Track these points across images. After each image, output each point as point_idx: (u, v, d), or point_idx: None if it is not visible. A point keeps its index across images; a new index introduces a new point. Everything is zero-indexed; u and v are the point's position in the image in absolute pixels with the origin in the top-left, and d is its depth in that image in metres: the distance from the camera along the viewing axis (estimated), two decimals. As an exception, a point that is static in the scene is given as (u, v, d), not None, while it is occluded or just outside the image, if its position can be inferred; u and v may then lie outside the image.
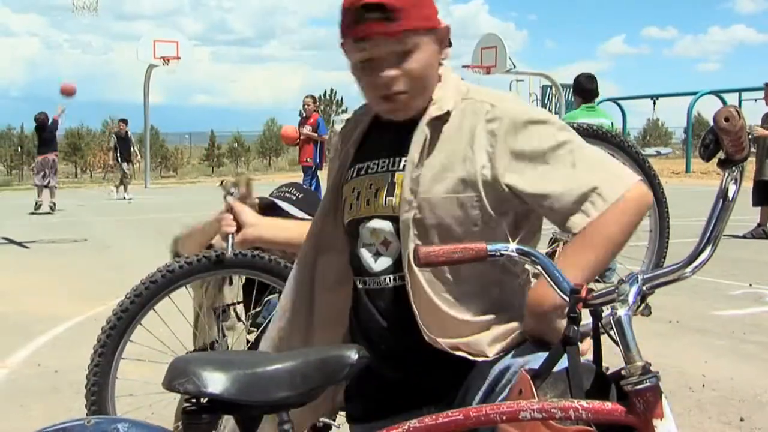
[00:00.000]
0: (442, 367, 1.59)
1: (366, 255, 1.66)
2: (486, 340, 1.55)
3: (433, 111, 1.60)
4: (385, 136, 1.68)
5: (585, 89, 7.08)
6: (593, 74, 7.15)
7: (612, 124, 6.78)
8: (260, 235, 1.98)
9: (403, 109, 1.61)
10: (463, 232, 1.55)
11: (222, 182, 2.16)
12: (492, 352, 1.54)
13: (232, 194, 2.09)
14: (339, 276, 1.74)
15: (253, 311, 2.61)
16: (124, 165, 18.47)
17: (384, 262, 1.64)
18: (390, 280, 1.63)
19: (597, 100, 7.44)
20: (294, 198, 2.74)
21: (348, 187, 1.71)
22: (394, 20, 1.49)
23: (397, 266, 1.62)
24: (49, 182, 15.03)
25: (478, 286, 1.59)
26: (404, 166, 1.60)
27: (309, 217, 2.70)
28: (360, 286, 1.69)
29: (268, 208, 2.74)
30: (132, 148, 18.68)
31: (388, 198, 1.62)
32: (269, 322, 2.54)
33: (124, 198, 18.01)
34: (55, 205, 15.01)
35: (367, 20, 1.50)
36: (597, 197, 1.48)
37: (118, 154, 18.28)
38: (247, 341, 2.57)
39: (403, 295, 1.59)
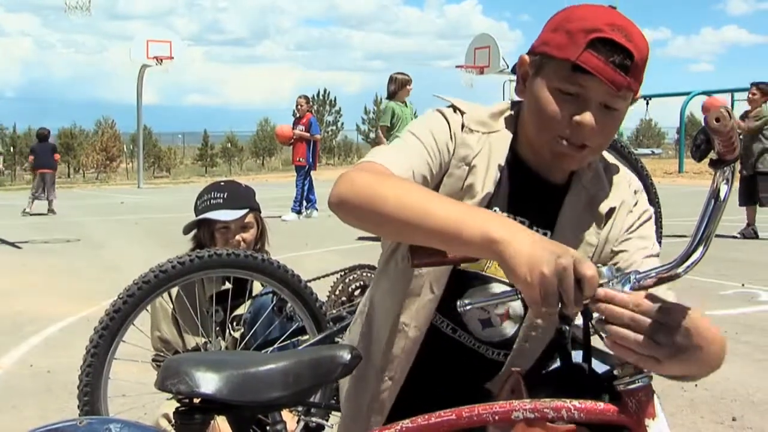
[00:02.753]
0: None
1: (470, 315, 1.52)
2: None
3: (587, 190, 1.50)
4: (529, 189, 1.50)
5: None
6: None
7: None
8: None
9: (572, 165, 1.46)
10: None
11: None
12: None
13: None
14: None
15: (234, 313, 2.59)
16: None
17: (491, 335, 1.53)
18: (489, 353, 1.54)
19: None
20: (221, 200, 2.65)
21: None
22: (627, 73, 1.32)
23: (504, 346, 1.53)
24: (48, 196, 14.87)
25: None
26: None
27: (243, 212, 2.67)
28: (448, 332, 1.55)
29: (202, 225, 2.68)
30: None
31: None
32: (254, 318, 2.54)
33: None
34: (54, 212, 14.83)
35: (605, 57, 1.31)
36: None
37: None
38: (235, 339, 2.56)
39: (490, 365, 1.53)
